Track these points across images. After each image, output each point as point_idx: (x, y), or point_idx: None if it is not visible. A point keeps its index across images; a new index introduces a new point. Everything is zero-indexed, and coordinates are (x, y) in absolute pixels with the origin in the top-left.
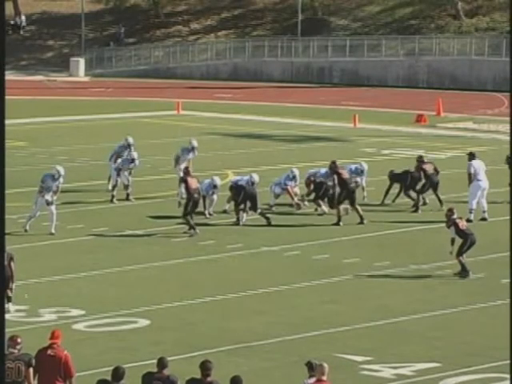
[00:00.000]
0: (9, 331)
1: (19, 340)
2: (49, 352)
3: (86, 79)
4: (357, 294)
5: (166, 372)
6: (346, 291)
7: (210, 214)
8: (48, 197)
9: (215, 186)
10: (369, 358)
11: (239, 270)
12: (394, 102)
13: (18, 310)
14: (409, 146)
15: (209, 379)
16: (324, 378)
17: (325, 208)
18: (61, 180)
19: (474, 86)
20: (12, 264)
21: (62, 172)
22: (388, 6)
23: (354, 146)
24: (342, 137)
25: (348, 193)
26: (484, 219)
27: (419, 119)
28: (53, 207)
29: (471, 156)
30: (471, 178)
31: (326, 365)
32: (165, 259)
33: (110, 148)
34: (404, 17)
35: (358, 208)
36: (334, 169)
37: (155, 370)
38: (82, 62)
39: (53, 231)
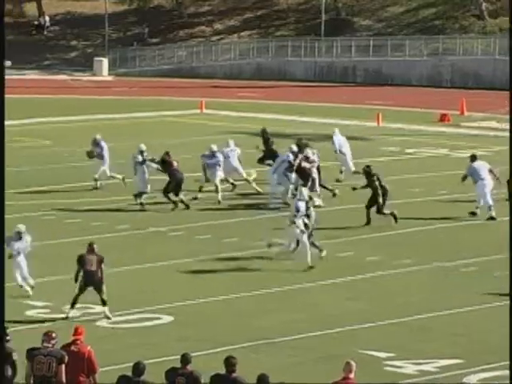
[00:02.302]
0: (33, 327)
1: (54, 335)
2: (72, 348)
3: (110, 78)
4: (380, 291)
5: (189, 368)
6: (370, 288)
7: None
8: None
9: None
10: (392, 355)
11: (262, 268)
12: (417, 101)
13: (42, 307)
14: (432, 144)
15: (233, 375)
16: (351, 375)
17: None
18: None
19: (498, 86)
20: (102, 266)
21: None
22: (412, 7)
23: (377, 144)
24: (365, 136)
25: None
26: (493, 218)
27: (443, 118)
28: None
29: (473, 158)
30: (466, 178)
31: (353, 362)
32: (188, 257)
33: (133, 146)
34: (428, 17)
35: None
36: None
37: (179, 365)
38: (105, 61)
39: None
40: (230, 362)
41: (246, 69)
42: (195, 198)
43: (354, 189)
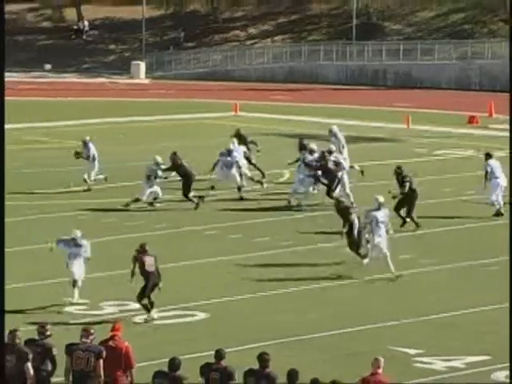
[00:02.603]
0: (72, 323)
1: (92, 331)
2: (110, 343)
3: (147, 81)
4: (408, 289)
5: (223, 363)
6: (398, 287)
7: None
8: None
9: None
10: (421, 351)
11: (292, 266)
12: (446, 103)
13: (81, 303)
14: (461, 146)
15: (267, 370)
16: (379, 371)
17: None
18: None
19: None
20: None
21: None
22: (441, 12)
23: (406, 146)
24: (395, 137)
25: None
26: (501, 214)
27: (471, 120)
28: None
29: (488, 156)
30: (487, 176)
31: (381, 358)
32: (221, 255)
33: (168, 148)
34: (457, 22)
35: None
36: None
37: (213, 361)
38: (142, 65)
39: None
40: (263, 358)
41: (278, 72)
42: (201, 197)
43: (394, 197)
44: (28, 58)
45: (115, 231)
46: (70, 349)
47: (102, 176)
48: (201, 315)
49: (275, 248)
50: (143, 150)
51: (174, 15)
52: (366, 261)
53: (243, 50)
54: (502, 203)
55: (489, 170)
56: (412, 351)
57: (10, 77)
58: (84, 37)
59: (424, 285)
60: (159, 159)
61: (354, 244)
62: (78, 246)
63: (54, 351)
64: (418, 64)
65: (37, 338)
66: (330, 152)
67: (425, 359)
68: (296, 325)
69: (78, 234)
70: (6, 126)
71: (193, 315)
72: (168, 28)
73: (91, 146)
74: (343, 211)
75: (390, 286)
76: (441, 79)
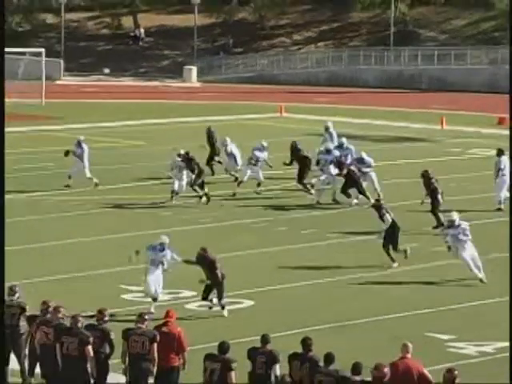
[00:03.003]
0: (127, 310)
1: (146, 317)
2: (164, 329)
3: (198, 85)
4: (444, 278)
5: (268, 347)
6: (434, 276)
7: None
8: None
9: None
10: (454, 337)
11: (338, 258)
12: (477, 105)
13: (137, 291)
14: (491, 146)
15: (310, 354)
16: (408, 355)
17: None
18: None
19: None
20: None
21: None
22: (473, 20)
23: (441, 146)
24: (430, 137)
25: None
26: (500, 209)
27: (501, 121)
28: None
29: (500, 152)
30: (499, 173)
31: (409, 344)
32: (268, 246)
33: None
34: (487, 29)
35: None
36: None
37: (259, 345)
38: (194, 69)
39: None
40: (306, 343)
41: (321, 76)
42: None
43: (422, 202)
44: (89, 62)
45: (169, 224)
46: (127, 333)
47: (96, 180)
48: (248, 303)
49: (320, 240)
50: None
51: (223, 23)
52: (395, 265)
53: (288, 56)
54: (503, 200)
55: (502, 166)
56: (446, 336)
57: (72, 80)
58: (140, 43)
59: (461, 275)
60: (182, 151)
61: (387, 245)
62: (162, 251)
63: (112, 335)
64: (452, 68)
65: (96, 323)
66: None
67: (458, 344)
68: (338, 312)
69: (166, 240)
70: (68, 126)
71: (240, 303)
72: (218, 35)
73: (84, 146)
74: (380, 211)
75: (428, 276)
76: (472, 83)
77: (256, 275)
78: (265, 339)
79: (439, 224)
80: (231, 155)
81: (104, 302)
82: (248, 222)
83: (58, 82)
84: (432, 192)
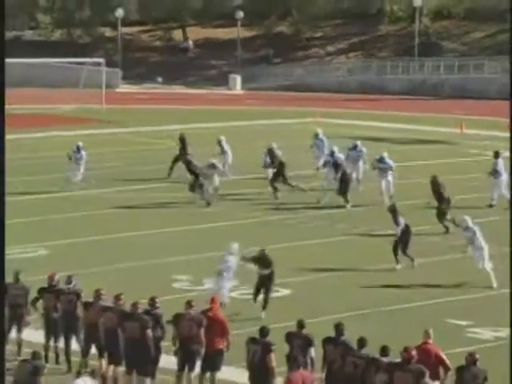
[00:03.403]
0: (178, 297)
1: (193, 304)
2: (210, 314)
3: (242, 92)
4: (463, 271)
5: (304, 332)
6: (453, 267)
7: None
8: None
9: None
10: (471, 323)
11: (368, 246)
12: (494, 111)
13: (186, 280)
14: (506, 148)
15: (342, 338)
16: (430, 341)
17: None
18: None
19: None
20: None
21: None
22: (490, 33)
23: (460, 148)
24: (450, 140)
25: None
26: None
27: None
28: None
29: (497, 154)
30: (496, 172)
31: (431, 331)
32: (301, 240)
33: (261, 146)
34: (503, 40)
35: None
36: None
37: (295, 330)
38: (238, 78)
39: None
40: (339, 328)
41: (352, 84)
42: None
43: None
44: (142, 72)
45: (216, 219)
46: (176, 318)
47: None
48: (284, 292)
49: (351, 234)
50: (241, 149)
51: (264, 35)
52: (398, 266)
53: (322, 65)
54: (496, 198)
55: (498, 168)
56: (465, 323)
57: (128, 88)
58: (189, 54)
59: (473, 267)
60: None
61: (396, 247)
62: (232, 255)
63: (163, 320)
64: (471, 77)
65: (149, 308)
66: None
67: (476, 329)
68: (366, 299)
69: (235, 247)
70: (124, 130)
71: (278, 291)
72: (259, 46)
73: (83, 152)
74: (395, 215)
75: (449, 267)
76: (490, 90)
77: (291, 265)
78: (300, 324)
79: (446, 229)
80: (226, 153)
81: (156, 290)
82: (277, 219)
83: (116, 90)
84: (439, 198)
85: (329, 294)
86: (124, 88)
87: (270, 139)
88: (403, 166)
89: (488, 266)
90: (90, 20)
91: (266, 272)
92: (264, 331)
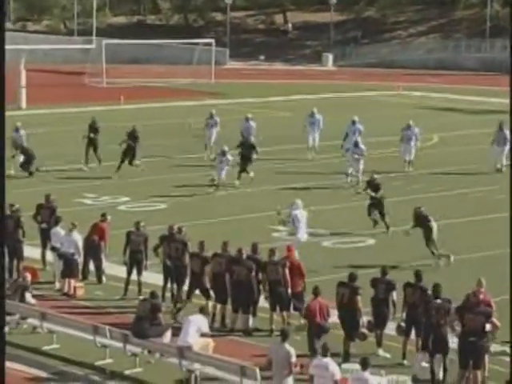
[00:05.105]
0: (273, 245)
1: (275, 251)
2: (288, 260)
3: (334, 69)
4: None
5: (387, 277)
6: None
7: None
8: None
9: None
10: None
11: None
12: None
13: (283, 231)
14: None
15: (420, 283)
16: (482, 289)
17: None
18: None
19: None
20: None
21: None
22: None
23: None
24: None
25: None
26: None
27: None
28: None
29: (501, 126)
30: (494, 142)
31: (483, 280)
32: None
33: (348, 118)
34: None
35: None
36: None
37: (379, 276)
38: (330, 56)
39: None
40: (418, 274)
41: (431, 62)
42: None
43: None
44: (247, 51)
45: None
46: (264, 264)
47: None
48: (369, 241)
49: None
50: (332, 119)
51: (354, 19)
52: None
53: (405, 45)
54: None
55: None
56: None
57: (235, 65)
58: (289, 35)
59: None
60: (226, 148)
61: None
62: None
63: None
64: None
65: (251, 254)
66: None
67: None
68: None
69: (299, 203)
70: (233, 101)
71: (363, 241)
72: (350, 29)
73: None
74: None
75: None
76: None
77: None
78: (384, 271)
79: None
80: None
81: (258, 238)
82: None
83: (224, 67)
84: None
85: (407, 244)
86: (231, 65)
87: (359, 110)
88: (473, 135)
89: None
90: (204, 6)
91: (378, 195)
92: (352, 276)
